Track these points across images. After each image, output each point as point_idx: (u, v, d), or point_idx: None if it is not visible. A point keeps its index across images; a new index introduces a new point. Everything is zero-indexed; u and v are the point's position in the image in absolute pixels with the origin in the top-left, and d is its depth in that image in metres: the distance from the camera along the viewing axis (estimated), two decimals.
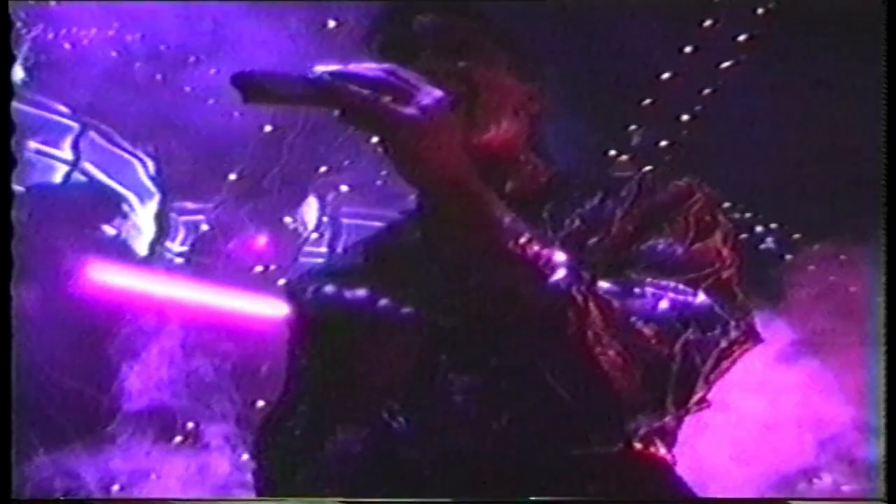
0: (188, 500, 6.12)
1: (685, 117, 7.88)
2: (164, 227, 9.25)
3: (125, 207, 8.86)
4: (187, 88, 7.85)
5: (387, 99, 1.42)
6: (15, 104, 2.02)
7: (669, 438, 1.66)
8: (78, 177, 8.88)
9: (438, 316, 1.59)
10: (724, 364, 1.58)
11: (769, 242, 8.04)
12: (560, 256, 1.46)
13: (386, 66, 1.48)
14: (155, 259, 8.70)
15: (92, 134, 8.88)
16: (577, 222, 1.61)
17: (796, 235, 7.88)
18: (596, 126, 6.71)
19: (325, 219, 8.98)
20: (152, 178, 9.40)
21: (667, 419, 1.56)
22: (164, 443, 6.69)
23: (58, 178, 8.73)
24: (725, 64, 7.74)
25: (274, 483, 1.72)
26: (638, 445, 1.59)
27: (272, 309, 7.01)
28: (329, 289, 1.71)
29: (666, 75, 7.79)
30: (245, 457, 6.24)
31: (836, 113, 6.98)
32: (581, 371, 1.45)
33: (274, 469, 1.73)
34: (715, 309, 1.54)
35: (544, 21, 1.84)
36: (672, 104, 7.86)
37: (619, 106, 7.68)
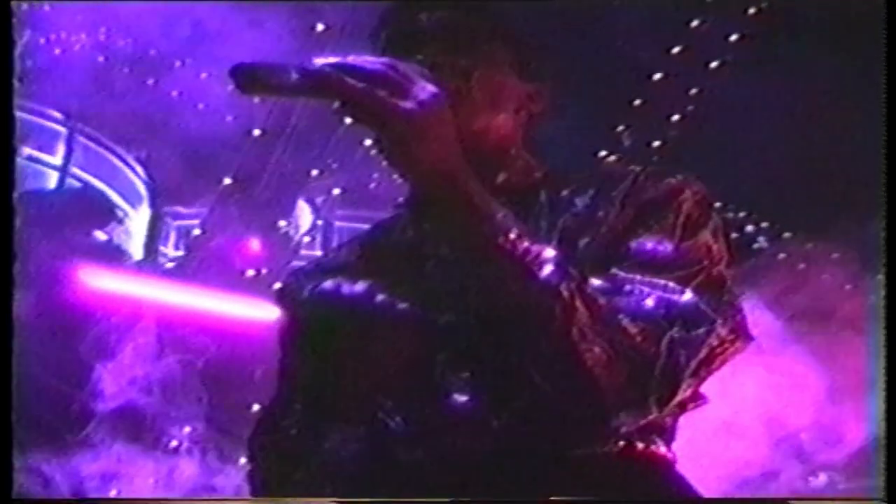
0: (189, 500, 6.11)
1: (675, 117, 7.91)
2: (156, 232, 9.26)
3: (118, 212, 8.87)
4: (176, 93, 7.85)
5: (383, 92, 1.43)
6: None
7: (667, 435, 1.65)
8: (70, 182, 8.88)
9: (429, 312, 1.59)
10: (714, 362, 1.57)
11: (761, 241, 8.07)
12: (549, 253, 1.46)
13: (384, 59, 1.48)
14: (148, 263, 8.70)
15: (83, 139, 8.89)
16: (568, 219, 1.61)
17: (787, 234, 7.91)
18: (586, 126, 6.71)
19: (318, 222, 8.98)
20: (144, 183, 9.41)
21: (650, 417, 1.55)
22: (139, 443, 6.69)
23: (50, 184, 8.74)
24: (714, 64, 7.77)
25: (270, 484, 1.72)
26: (640, 445, 1.58)
27: (265, 313, 7.01)
28: (321, 287, 1.71)
29: (657, 76, 7.81)
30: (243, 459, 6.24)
31: (827, 112, 7.00)
32: (566, 368, 1.45)
33: (270, 470, 1.73)
34: (701, 307, 1.53)
35: (542, 20, 1.85)
36: (663, 104, 7.88)
37: (611, 106, 7.69)
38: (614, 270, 1.53)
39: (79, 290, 7.09)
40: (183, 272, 8.26)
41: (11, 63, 1.83)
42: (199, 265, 8.17)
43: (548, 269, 1.46)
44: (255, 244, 8.24)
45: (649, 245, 1.57)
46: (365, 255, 1.76)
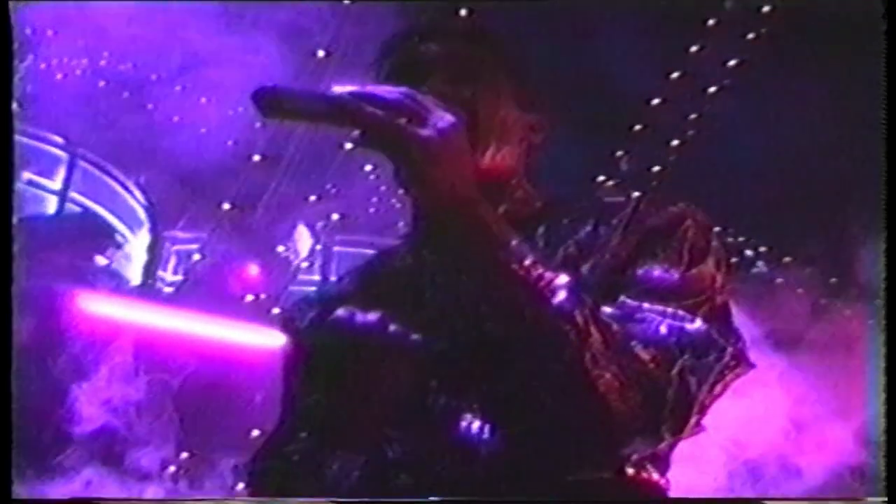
0: (188, 500, 6.10)
1: (675, 142, 7.93)
2: (155, 257, 9.26)
3: (117, 237, 8.87)
4: (177, 118, 7.88)
5: (402, 120, 1.44)
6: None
7: (662, 464, 1.65)
8: (70, 207, 8.89)
9: (436, 340, 1.59)
10: (717, 389, 1.58)
11: (760, 266, 8.07)
12: (563, 279, 1.46)
13: (402, 88, 1.49)
14: (146, 288, 8.69)
15: (83, 164, 8.90)
16: (571, 248, 1.61)
17: (787, 259, 7.91)
18: (585, 151, 6.73)
19: (317, 247, 8.99)
20: (144, 208, 9.42)
21: (662, 445, 1.55)
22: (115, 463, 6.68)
23: (49, 208, 8.74)
24: (713, 89, 7.80)
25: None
26: (630, 471, 1.58)
27: (265, 338, 7.01)
28: (326, 315, 1.71)
29: (656, 101, 7.84)
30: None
31: (825, 137, 7.02)
32: (579, 394, 1.45)
33: (271, 496, 1.73)
34: (711, 334, 1.54)
35: (542, 49, 1.86)
36: (662, 129, 7.91)
37: (610, 131, 7.72)
38: (622, 298, 1.53)
39: (76, 314, 7.08)
40: (181, 297, 8.25)
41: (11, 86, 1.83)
42: (197, 290, 8.17)
43: (562, 295, 1.47)
44: (253, 269, 8.24)
45: (656, 273, 1.57)
46: (369, 283, 1.77)
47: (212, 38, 7.13)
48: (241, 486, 5.49)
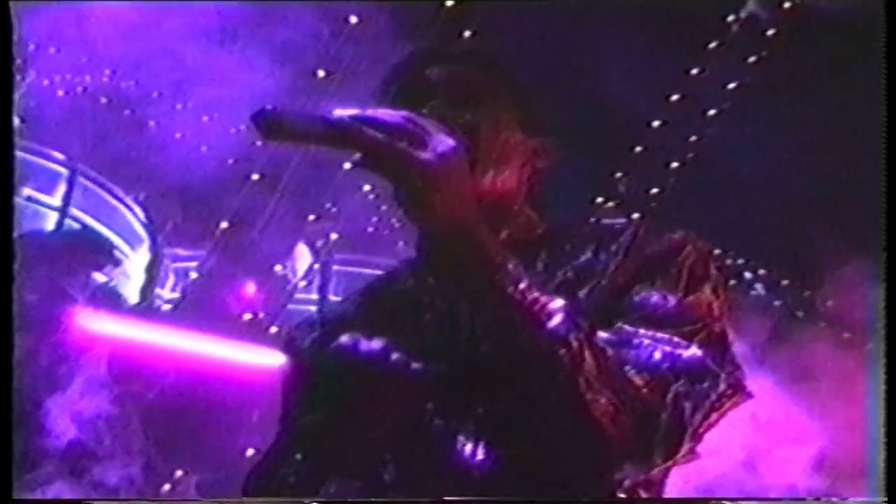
0: (188, 500, 6.09)
1: (674, 164, 7.95)
2: (154, 274, 9.26)
3: (117, 254, 8.87)
4: (177, 135, 7.89)
5: (403, 144, 1.44)
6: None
7: (655, 489, 1.64)
8: (70, 223, 8.89)
9: (436, 363, 1.59)
10: (713, 417, 1.58)
11: (759, 289, 8.08)
12: (558, 303, 1.47)
13: (403, 112, 1.49)
14: (146, 306, 8.69)
15: (83, 180, 8.90)
16: (570, 273, 1.61)
17: (785, 282, 7.92)
18: (585, 173, 6.74)
19: (315, 266, 8.99)
20: (143, 225, 9.42)
21: (655, 470, 1.55)
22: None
23: (49, 224, 8.74)
24: (713, 112, 7.82)
25: None
26: (622, 496, 1.57)
27: (263, 357, 7.00)
28: (327, 337, 1.70)
29: (656, 123, 7.86)
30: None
31: (825, 159, 7.04)
32: (572, 417, 1.45)
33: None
34: (706, 362, 1.54)
35: (544, 73, 1.86)
36: (662, 151, 7.93)
37: (610, 153, 7.74)
38: (619, 324, 1.54)
39: (74, 331, 7.07)
40: (179, 314, 8.25)
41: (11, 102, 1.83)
42: (195, 308, 8.17)
43: (557, 319, 1.47)
44: (251, 287, 8.24)
45: (653, 300, 1.57)
46: (371, 305, 1.77)
47: (213, 57, 7.15)
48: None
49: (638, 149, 7.94)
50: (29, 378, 6.00)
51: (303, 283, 8.94)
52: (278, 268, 8.48)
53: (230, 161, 7.66)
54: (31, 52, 7.12)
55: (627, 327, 1.54)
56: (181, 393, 7.13)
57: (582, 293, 1.60)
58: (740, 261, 7.90)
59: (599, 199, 7.95)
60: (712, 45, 7.62)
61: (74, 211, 8.88)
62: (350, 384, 1.63)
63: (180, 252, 9.31)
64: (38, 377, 6.36)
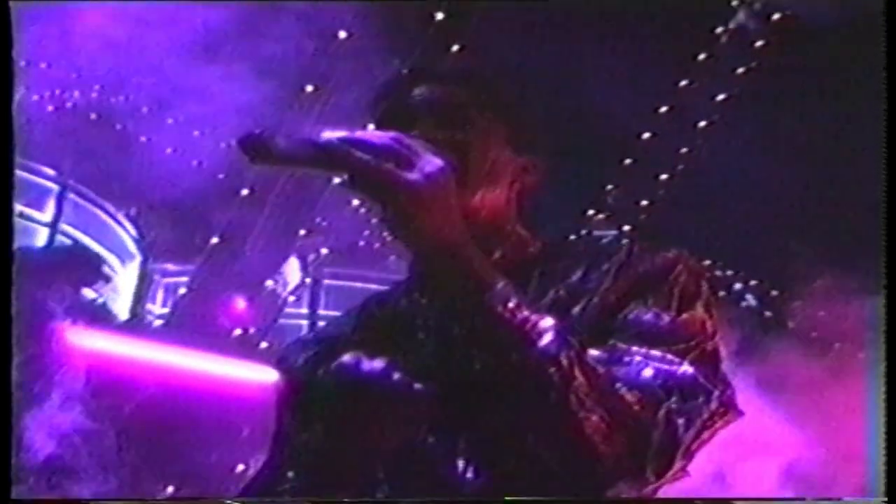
0: (189, 500, 6.07)
1: (664, 176, 7.96)
2: (144, 289, 9.24)
3: (107, 269, 8.85)
4: (168, 150, 7.89)
5: (390, 165, 1.44)
6: None
7: None
8: (60, 239, 8.88)
9: (429, 382, 1.58)
10: (705, 435, 1.58)
11: (749, 300, 8.09)
12: (548, 322, 1.47)
13: (391, 133, 1.50)
14: (135, 322, 8.67)
15: (73, 196, 8.89)
16: (562, 291, 1.61)
17: (774, 292, 7.93)
18: (575, 185, 6.75)
19: (306, 280, 8.98)
20: (134, 240, 9.41)
21: (648, 488, 1.55)
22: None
23: (40, 241, 8.73)
24: (702, 123, 7.84)
25: None
26: None
27: (253, 373, 6.99)
28: (321, 356, 1.71)
29: (646, 135, 7.87)
30: None
31: (817, 171, 7.05)
32: (564, 436, 1.45)
33: None
34: (698, 379, 1.54)
35: (533, 89, 1.86)
36: (652, 163, 7.94)
37: (600, 165, 7.75)
38: (612, 341, 1.54)
39: (61, 346, 7.06)
40: (169, 330, 8.23)
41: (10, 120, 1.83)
42: (185, 323, 8.15)
43: (547, 338, 1.47)
44: (241, 303, 8.22)
45: (646, 318, 1.57)
46: (365, 325, 1.77)
47: (202, 73, 7.15)
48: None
49: (628, 161, 7.96)
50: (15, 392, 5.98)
51: (293, 298, 8.93)
52: (269, 283, 8.47)
53: (220, 176, 7.65)
54: (21, 68, 7.11)
55: (620, 345, 1.54)
56: (170, 409, 7.12)
57: (575, 311, 1.60)
58: (730, 272, 7.91)
59: (590, 212, 7.96)
60: (701, 56, 7.64)
61: (65, 227, 8.87)
62: (351, 403, 1.63)
63: (170, 267, 9.29)
64: (23, 390, 6.35)
